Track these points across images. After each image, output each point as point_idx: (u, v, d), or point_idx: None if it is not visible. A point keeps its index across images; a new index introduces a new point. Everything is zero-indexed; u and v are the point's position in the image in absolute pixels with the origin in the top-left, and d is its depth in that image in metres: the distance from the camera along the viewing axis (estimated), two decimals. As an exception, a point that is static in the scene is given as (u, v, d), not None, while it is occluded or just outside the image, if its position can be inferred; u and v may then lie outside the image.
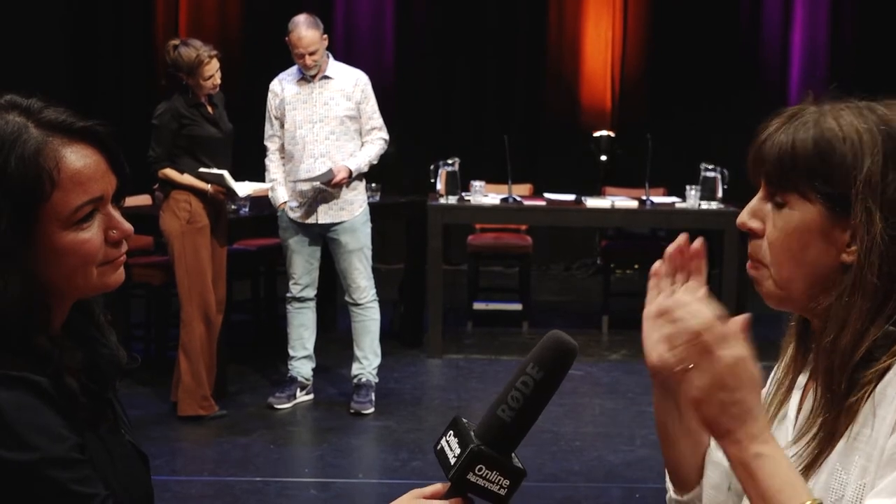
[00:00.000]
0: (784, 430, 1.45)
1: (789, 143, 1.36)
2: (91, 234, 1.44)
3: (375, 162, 5.89)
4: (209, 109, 5.65)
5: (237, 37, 9.99)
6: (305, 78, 5.79)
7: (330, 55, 5.85)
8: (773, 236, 1.39)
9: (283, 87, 5.84)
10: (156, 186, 5.75)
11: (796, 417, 1.45)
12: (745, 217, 1.42)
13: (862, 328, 1.34)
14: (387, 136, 5.91)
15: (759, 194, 1.41)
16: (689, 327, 1.25)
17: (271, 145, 5.89)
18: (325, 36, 5.77)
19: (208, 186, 5.57)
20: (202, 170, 5.57)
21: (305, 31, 5.66)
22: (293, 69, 5.84)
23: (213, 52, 5.54)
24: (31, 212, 1.40)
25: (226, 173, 5.59)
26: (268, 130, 5.90)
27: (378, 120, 5.88)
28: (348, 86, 5.81)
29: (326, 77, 5.80)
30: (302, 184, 5.77)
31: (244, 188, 5.76)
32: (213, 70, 5.54)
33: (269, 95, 5.88)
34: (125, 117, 8.81)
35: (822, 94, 1.42)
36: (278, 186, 5.85)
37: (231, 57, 7.65)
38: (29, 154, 1.40)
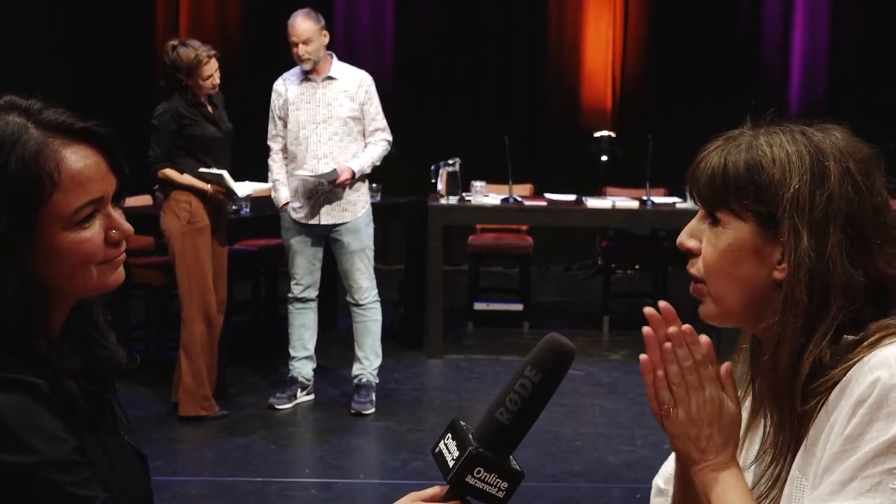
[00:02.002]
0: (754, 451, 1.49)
1: (721, 164, 1.43)
2: (91, 234, 1.44)
3: (378, 163, 5.87)
4: (209, 109, 5.64)
5: (237, 37, 9.99)
6: (309, 78, 5.78)
7: (333, 55, 5.84)
8: (707, 253, 1.45)
9: (287, 86, 5.82)
10: (156, 187, 5.75)
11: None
12: (683, 237, 1.48)
13: (798, 345, 1.37)
14: (390, 138, 5.89)
15: (698, 215, 1.48)
16: (684, 366, 1.38)
17: (274, 145, 5.87)
18: (326, 32, 5.75)
19: (208, 186, 5.57)
20: (202, 170, 5.56)
21: (300, 21, 5.65)
22: (297, 69, 5.81)
23: (212, 53, 5.54)
24: (32, 213, 1.40)
25: (225, 173, 5.58)
26: (271, 130, 5.88)
27: (381, 121, 5.86)
28: (352, 87, 5.80)
29: (330, 77, 5.78)
30: (304, 185, 5.75)
31: (243, 188, 5.75)
32: (211, 70, 5.53)
33: (273, 95, 5.86)
34: (125, 117, 8.81)
35: (761, 119, 1.49)
36: (281, 187, 5.83)
37: (231, 57, 7.66)
38: (29, 155, 1.40)
